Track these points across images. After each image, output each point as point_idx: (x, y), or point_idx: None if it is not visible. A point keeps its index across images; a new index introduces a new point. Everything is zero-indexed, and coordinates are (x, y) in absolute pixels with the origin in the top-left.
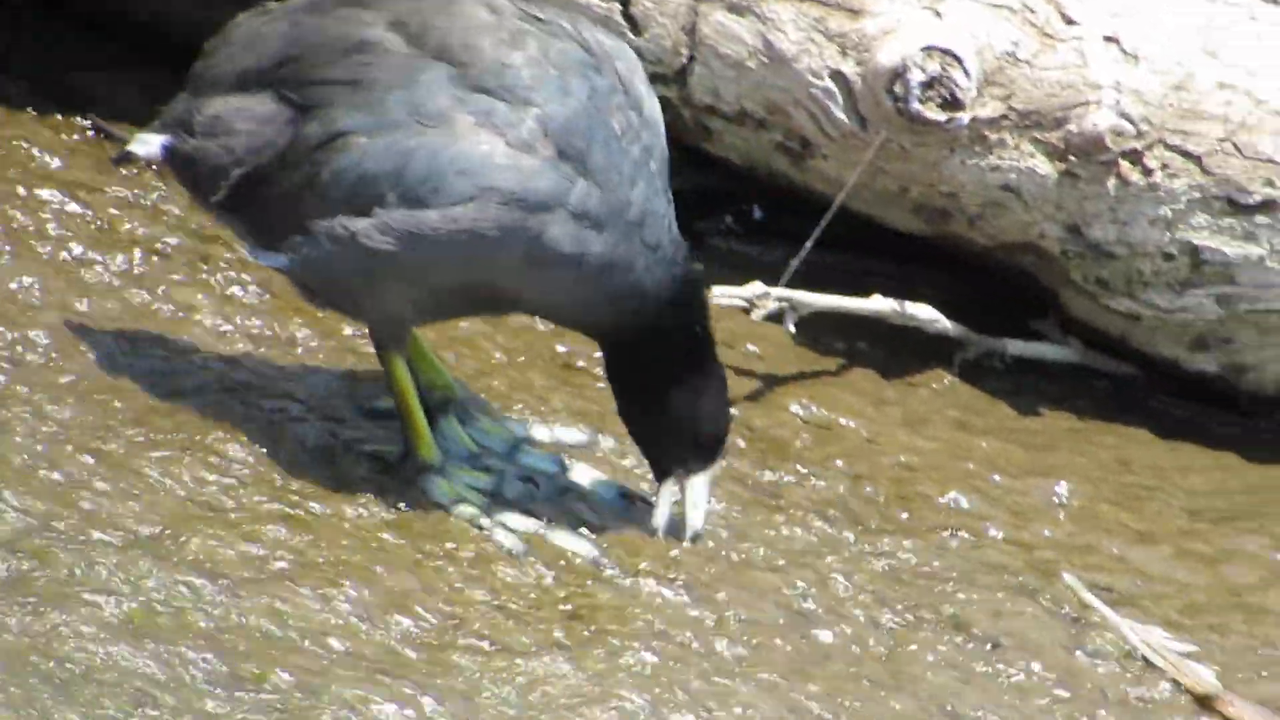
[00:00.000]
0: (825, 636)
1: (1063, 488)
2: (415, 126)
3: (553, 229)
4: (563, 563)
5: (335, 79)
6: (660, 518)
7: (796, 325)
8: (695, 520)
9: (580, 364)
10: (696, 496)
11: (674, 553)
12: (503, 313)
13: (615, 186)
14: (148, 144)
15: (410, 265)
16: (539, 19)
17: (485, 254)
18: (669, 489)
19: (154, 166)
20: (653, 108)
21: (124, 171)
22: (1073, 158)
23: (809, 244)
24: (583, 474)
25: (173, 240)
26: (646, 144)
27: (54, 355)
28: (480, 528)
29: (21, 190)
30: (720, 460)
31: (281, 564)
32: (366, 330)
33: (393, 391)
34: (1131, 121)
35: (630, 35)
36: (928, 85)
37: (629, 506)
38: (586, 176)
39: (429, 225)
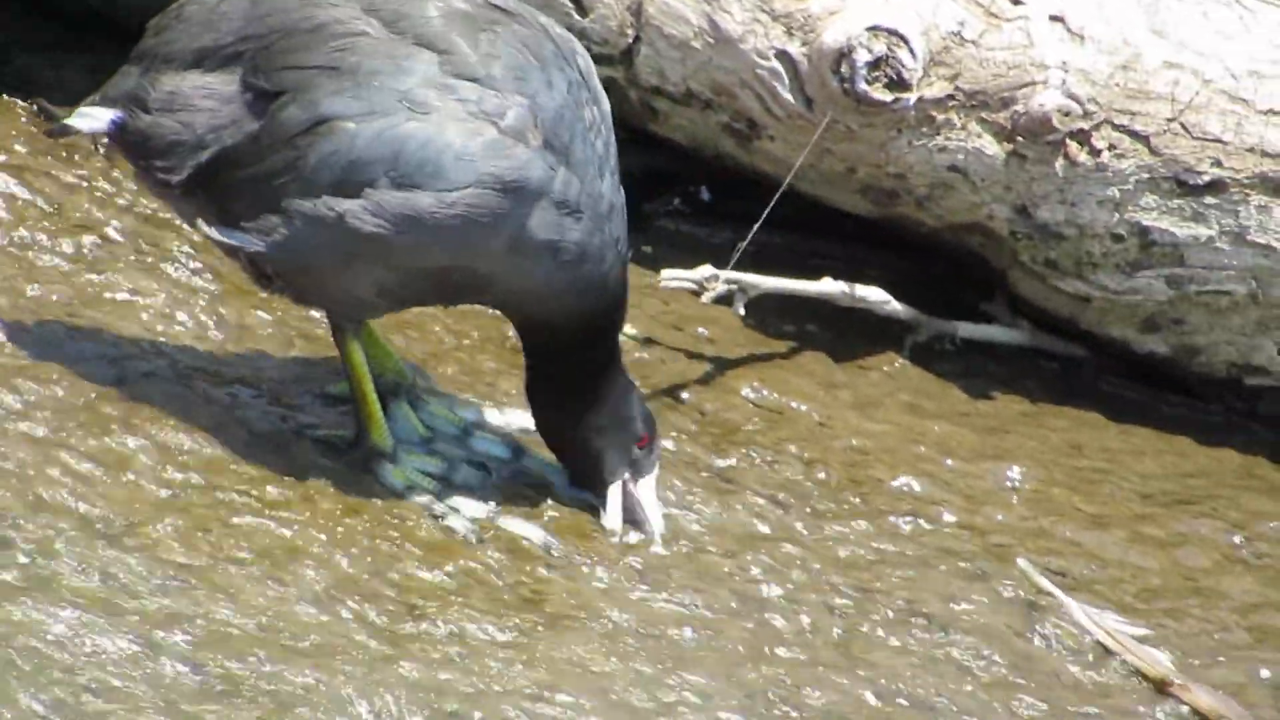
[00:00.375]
0: (779, 621)
1: (1015, 471)
2: (406, 113)
3: (537, 216)
4: (515, 548)
5: (313, 64)
6: (616, 519)
7: (746, 307)
8: (658, 523)
9: None
10: (649, 499)
11: (626, 538)
12: (466, 300)
13: (591, 179)
14: (92, 118)
15: (396, 247)
16: (506, 11)
17: (473, 238)
18: (616, 491)
19: (98, 143)
20: (606, 103)
21: (60, 145)
22: (1020, 138)
23: (756, 226)
24: (534, 459)
25: (122, 225)
26: (606, 139)
27: (3, 341)
28: (432, 513)
29: None
30: (656, 460)
31: (235, 551)
32: (320, 315)
33: (348, 375)
34: (1079, 101)
35: (576, 16)
36: (874, 65)
37: (580, 492)
38: (569, 167)
39: (424, 208)
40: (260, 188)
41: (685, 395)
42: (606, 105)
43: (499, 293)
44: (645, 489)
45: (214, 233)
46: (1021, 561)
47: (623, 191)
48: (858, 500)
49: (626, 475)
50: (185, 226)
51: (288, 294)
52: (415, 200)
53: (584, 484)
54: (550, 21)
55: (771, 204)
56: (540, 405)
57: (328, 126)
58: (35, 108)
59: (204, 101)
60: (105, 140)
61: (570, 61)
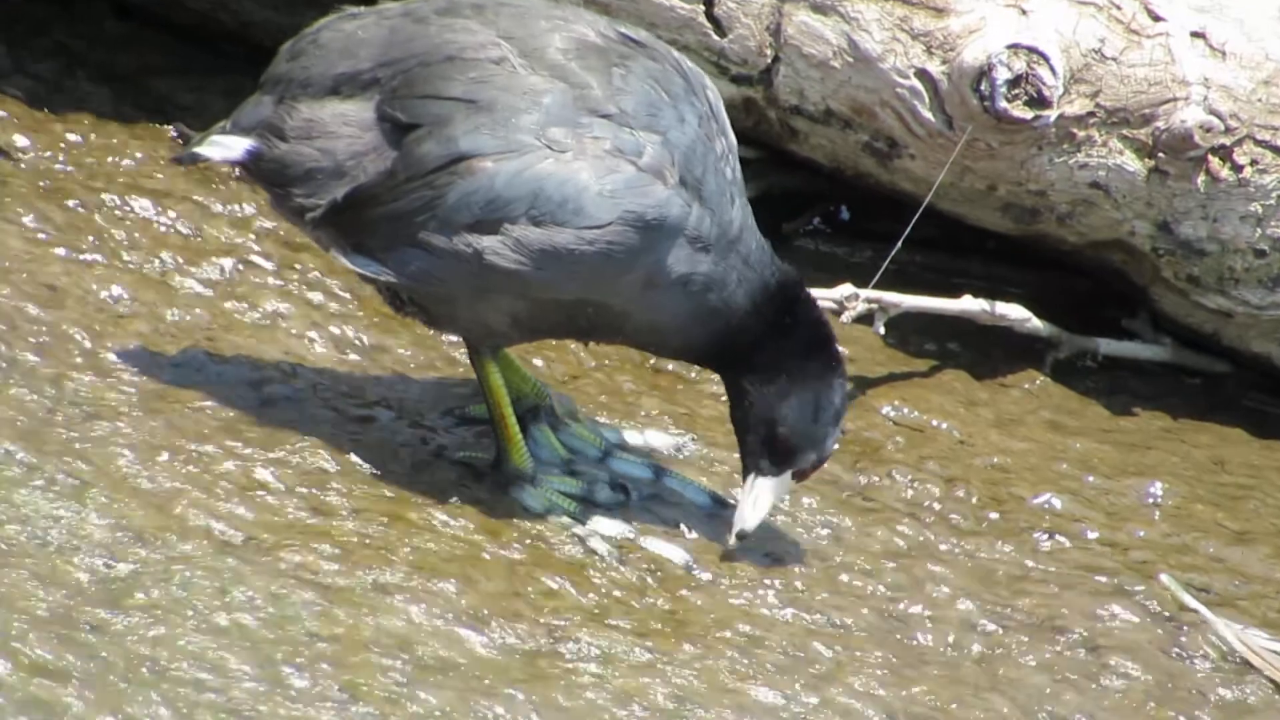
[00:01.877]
0: (920, 639)
1: (1157, 488)
2: (544, 150)
3: (673, 252)
4: (656, 568)
5: (450, 95)
6: (749, 515)
7: (886, 326)
8: (747, 519)
9: (670, 367)
10: (758, 497)
11: (767, 556)
12: (597, 337)
13: (722, 208)
14: (225, 147)
15: (533, 281)
16: (638, 44)
17: (609, 274)
18: (747, 487)
19: (237, 172)
20: (732, 134)
21: (200, 169)
22: (1161, 154)
23: (898, 245)
24: (675, 479)
25: (261, 249)
26: (734, 166)
27: (145, 365)
28: (573, 534)
29: (109, 199)
30: (790, 469)
31: (375, 573)
32: (458, 338)
33: (487, 398)
34: (1220, 117)
35: (714, 36)
36: (1014, 83)
37: (721, 511)
38: (701, 202)
39: (563, 245)
40: (396, 223)
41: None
42: (733, 137)
43: (630, 328)
44: (762, 485)
45: (349, 262)
46: (1164, 577)
47: (749, 210)
48: (999, 518)
49: (756, 471)
50: (320, 248)
51: (421, 319)
52: (555, 237)
53: (744, 460)
54: (680, 55)
55: (913, 222)
56: (733, 388)
57: (466, 165)
58: (174, 132)
59: (343, 129)
60: (238, 169)
61: (700, 95)
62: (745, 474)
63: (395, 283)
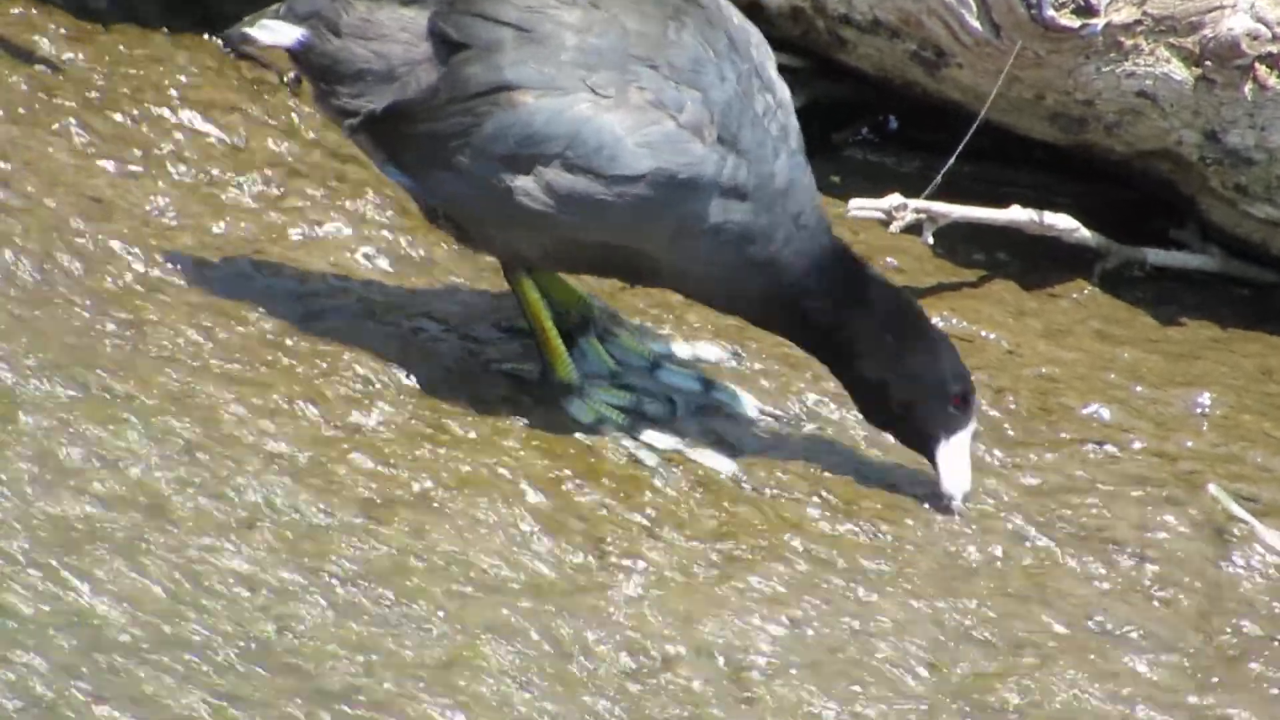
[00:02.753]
0: (969, 551)
1: (1205, 398)
2: (587, 93)
3: (704, 205)
4: (705, 480)
5: (505, 20)
6: (953, 482)
7: (935, 236)
8: (957, 485)
9: None
10: (953, 460)
11: (816, 469)
12: (632, 279)
13: (762, 160)
14: (276, 32)
15: (563, 224)
16: (697, 2)
17: (640, 223)
18: (946, 454)
19: (284, 76)
20: (783, 90)
21: (248, 80)
22: (1208, 63)
23: (953, 157)
24: (723, 391)
25: (308, 160)
26: (783, 123)
27: (191, 278)
28: (622, 446)
29: (157, 111)
30: (974, 415)
31: (423, 485)
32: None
33: (525, 314)
34: (1267, 25)
35: None
36: None
37: (769, 423)
38: (738, 154)
39: (594, 193)
40: (434, 142)
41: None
42: (784, 93)
43: (665, 273)
44: (956, 448)
45: (383, 171)
46: (1213, 487)
47: (807, 168)
48: (1047, 428)
49: (944, 435)
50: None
51: (454, 234)
52: (586, 185)
53: (911, 446)
54: (732, 10)
55: (968, 136)
56: (853, 394)
57: (508, 96)
58: (222, 43)
59: (399, 34)
60: (289, 83)
61: (743, 54)
62: (932, 449)
63: (430, 202)
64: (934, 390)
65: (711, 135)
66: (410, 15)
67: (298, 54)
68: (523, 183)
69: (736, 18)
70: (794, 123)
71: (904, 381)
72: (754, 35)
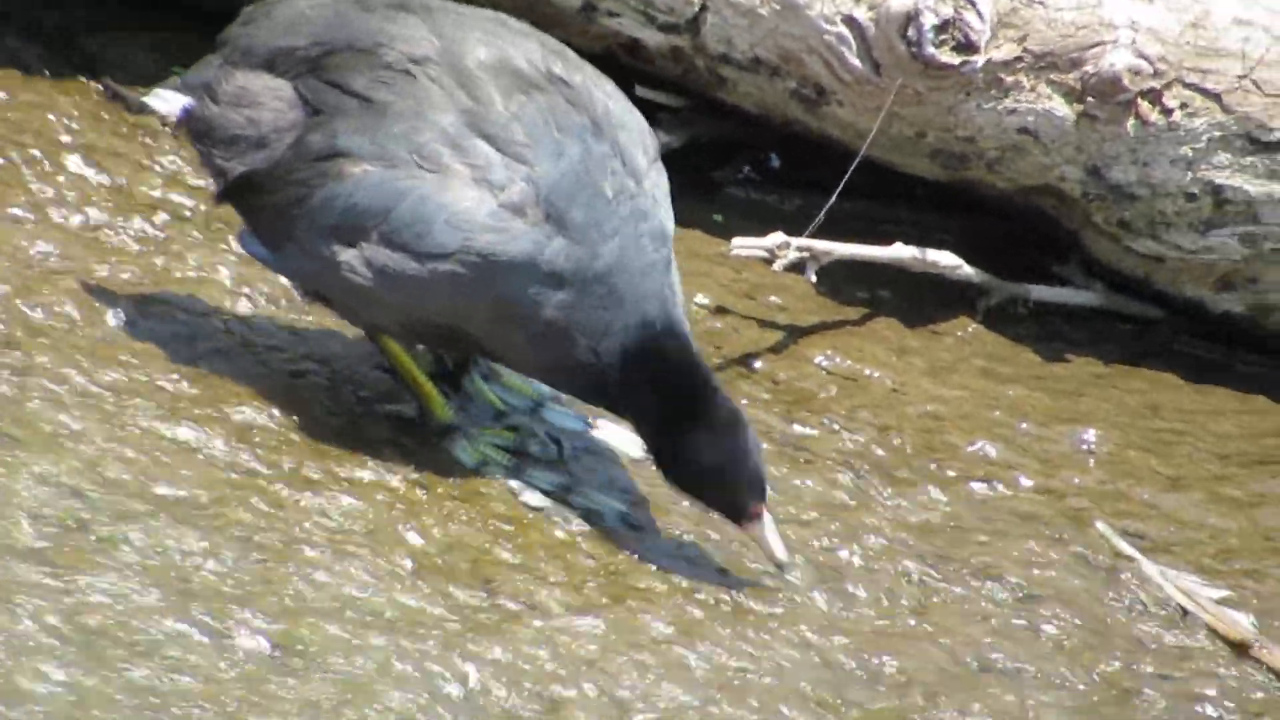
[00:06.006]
0: (856, 590)
1: (1091, 434)
2: (411, 167)
3: (521, 287)
4: (591, 521)
5: (352, 89)
6: (780, 548)
7: (818, 274)
8: (778, 552)
9: None
10: (765, 534)
11: (701, 509)
12: (493, 359)
13: (590, 242)
14: (166, 101)
15: (389, 302)
16: (562, 80)
17: (456, 302)
18: (769, 523)
19: (168, 126)
20: (656, 183)
21: (128, 125)
22: (1090, 99)
23: (835, 195)
24: (608, 431)
25: (190, 203)
26: (641, 209)
27: (76, 322)
28: (508, 487)
29: (39, 155)
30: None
31: (308, 528)
32: None
33: (388, 359)
34: (1149, 61)
35: None
36: (941, 29)
37: (653, 464)
38: (564, 234)
39: (410, 270)
40: (278, 213)
41: (758, 363)
42: (656, 185)
43: (501, 356)
44: (765, 525)
45: (241, 245)
46: (1100, 524)
47: (664, 268)
48: (933, 466)
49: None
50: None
51: (327, 310)
52: (400, 261)
53: (729, 518)
54: (609, 97)
55: (849, 172)
56: (661, 465)
57: (337, 166)
58: (102, 87)
59: (271, 102)
60: (174, 124)
61: (606, 135)
62: (749, 519)
63: (283, 274)
64: (731, 509)
65: (536, 214)
66: (282, 84)
67: (184, 121)
68: (347, 256)
69: (615, 105)
70: (661, 218)
71: (709, 491)
72: (631, 123)
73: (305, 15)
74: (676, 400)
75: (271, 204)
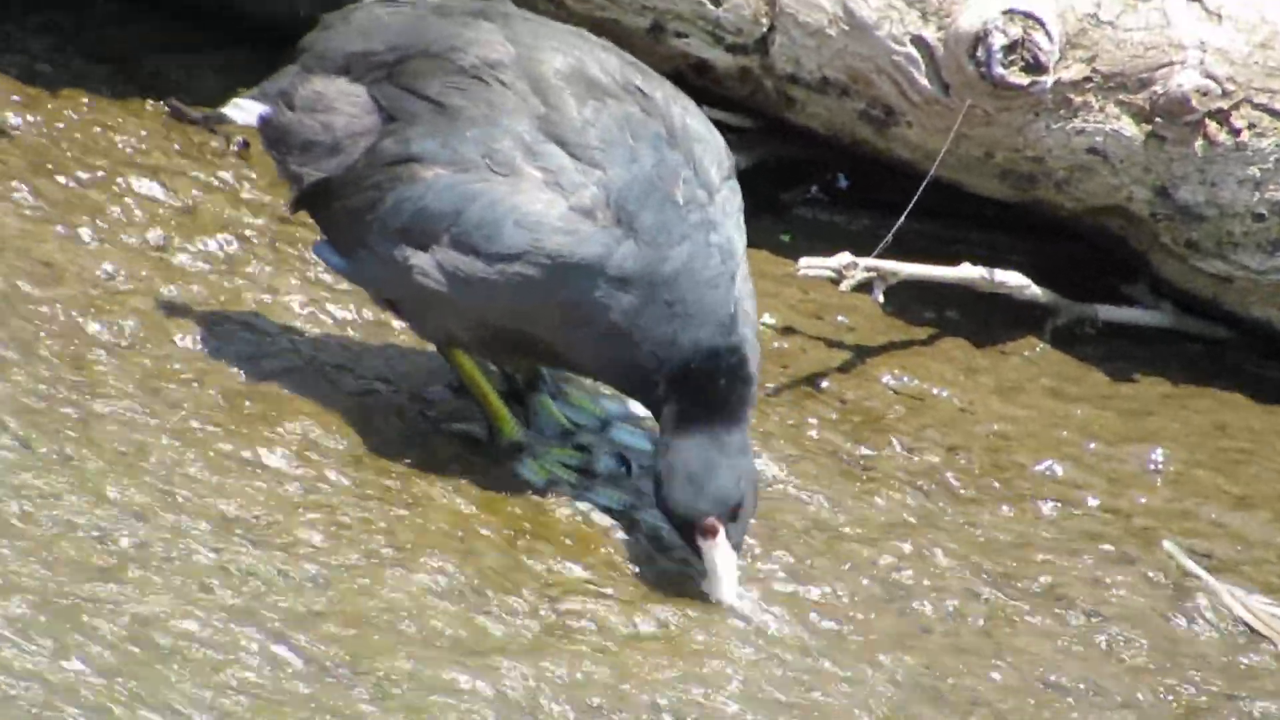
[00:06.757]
0: (923, 609)
1: (1159, 454)
2: (483, 170)
3: (589, 289)
4: (656, 540)
5: (425, 94)
6: (728, 583)
7: (885, 294)
8: (725, 590)
9: None
10: (718, 565)
11: (770, 527)
12: (549, 364)
13: (659, 246)
14: (244, 110)
15: (461, 305)
16: (639, 91)
17: (525, 305)
18: (726, 552)
19: (231, 142)
20: (728, 199)
21: (195, 146)
22: (1159, 119)
23: (904, 216)
24: None
25: (256, 223)
26: (711, 219)
27: (143, 341)
28: (575, 506)
29: (105, 176)
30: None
31: (376, 546)
32: None
33: (462, 379)
34: (1217, 81)
35: (709, 6)
36: (1010, 49)
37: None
38: (634, 238)
39: (479, 273)
40: (351, 218)
41: (825, 383)
42: (726, 200)
43: (563, 359)
44: (720, 551)
45: (315, 252)
46: (1167, 544)
47: (731, 278)
48: (1000, 486)
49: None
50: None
51: (399, 319)
52: (469, 264)
53: (675, 526)
54: (686, 112)
55: (918, 193)
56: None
57: (409, 170)
58: (167, 108)
59: (346, 107)
60: (236, 147)
61: (681, 147)
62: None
63: (356, 281)
64: (679, 512)
65: (607, 217)
66: (358, 89)
67: (261, 129)
68: (419, 260)
69: (691, 119)
70: (729, 229)
71: (662, 490)
72: (707, 137)
73: (382, 21)
74: (705, 409)
75: (344, 210)
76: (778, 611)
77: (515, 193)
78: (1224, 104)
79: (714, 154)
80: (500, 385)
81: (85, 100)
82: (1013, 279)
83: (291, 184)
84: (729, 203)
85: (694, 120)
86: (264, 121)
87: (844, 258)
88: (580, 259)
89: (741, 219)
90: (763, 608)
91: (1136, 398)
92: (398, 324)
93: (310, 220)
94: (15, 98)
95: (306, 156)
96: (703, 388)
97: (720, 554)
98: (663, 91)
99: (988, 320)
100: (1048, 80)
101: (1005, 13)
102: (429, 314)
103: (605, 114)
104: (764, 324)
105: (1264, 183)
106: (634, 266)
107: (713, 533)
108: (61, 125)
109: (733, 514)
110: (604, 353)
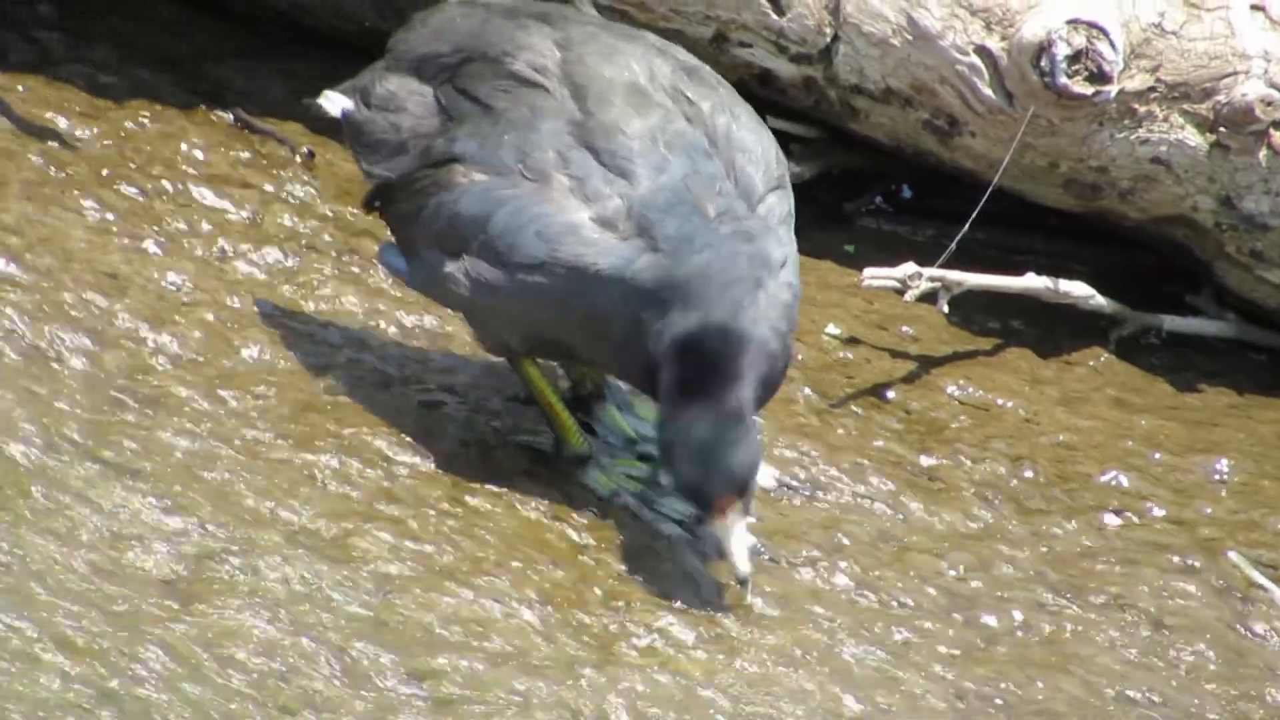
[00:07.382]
0: (988, 619)
1: (1224, 464)
2: (516, 175)
3: (607, 299)
4: (723, 550)
5: (475, 96)
6: (742, 557)
7: (950, 305)
8: (739, 566)
9: None
10: (733, 540)
11: (835, 539)
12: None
13: (679, 254)
14: (333, 103)
15: (493, 311)
16: (686, 98)
17: (547, 314)
18: (740, 529)
19: (296, 151)
20: (773, 207)
21: (267, 159)
22: (1223, 129)
23: (967, 225)
24: None
25: (321, 233)
26: (746, 231)
27: (207, 353)
28: (640, 517)
29: (170, 186)
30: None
31: (441, 559)
32: None
33: (529, 389)
34: None
35: (773, 15)
36: (1074, 59)
37: (786, 493)
38: (654, 248)
39: (501, 282)
40: (405, 220)
41: (890, 394)
42: (772, 207)
43: (594, 362)
44: (732, 529)
45: (378, 255)
46: (1233, 554)
47: (749, 270)
48: (1065, 496)
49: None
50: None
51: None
52: (491, 272)
53: (691, 502)
54: (735, 118)
55: (981, 203)
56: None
57: (450, 172)
58: (232, 118)
59: (414, 107)
60: (301, 157)
61: (722, 155)
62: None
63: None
64: (693, 492)
65: (628, 228)
66: (424, 89)
67: (343, 124)
68: (451, 267)
69: (739, 127)
70: (768, 240)
71: (674, 467)
72: (754, 146)
73: (454, 22)
74: (698, 381)
75: (400, 212)
76: (846, 621)
77: (539, 200)
78: None
79: (759, 163)
80: (566, 395)
81: (150, 110)
82: (1078, 289)
83: (366, 181)
84: (773, 213)
85: (741, 129)
86: (345, 116)
87: (908, 268)
88: (598, 270)
89: (789, 228)
90: (830, 616)
91: (1202, 408)
92: (464, 335)
93: (373, 230)
94: (80, 108)
95: (375, 155)
96: (697, 362)
97: (733, 531)
98: (713, 100)
99: (1052, 330)
100: (1112, 90)
101: (1069, 22)
102: (472, 321)
103: (640, 122)
104: (829, 334)
105: None
106: (650, 277)
107: (723, 511)
108: (125, 135)
109: (740, 490)
110: (624, 357)
